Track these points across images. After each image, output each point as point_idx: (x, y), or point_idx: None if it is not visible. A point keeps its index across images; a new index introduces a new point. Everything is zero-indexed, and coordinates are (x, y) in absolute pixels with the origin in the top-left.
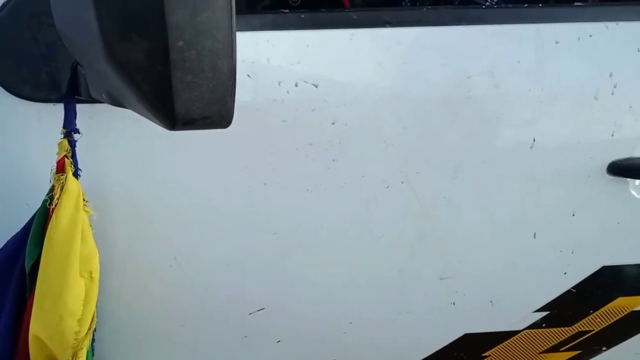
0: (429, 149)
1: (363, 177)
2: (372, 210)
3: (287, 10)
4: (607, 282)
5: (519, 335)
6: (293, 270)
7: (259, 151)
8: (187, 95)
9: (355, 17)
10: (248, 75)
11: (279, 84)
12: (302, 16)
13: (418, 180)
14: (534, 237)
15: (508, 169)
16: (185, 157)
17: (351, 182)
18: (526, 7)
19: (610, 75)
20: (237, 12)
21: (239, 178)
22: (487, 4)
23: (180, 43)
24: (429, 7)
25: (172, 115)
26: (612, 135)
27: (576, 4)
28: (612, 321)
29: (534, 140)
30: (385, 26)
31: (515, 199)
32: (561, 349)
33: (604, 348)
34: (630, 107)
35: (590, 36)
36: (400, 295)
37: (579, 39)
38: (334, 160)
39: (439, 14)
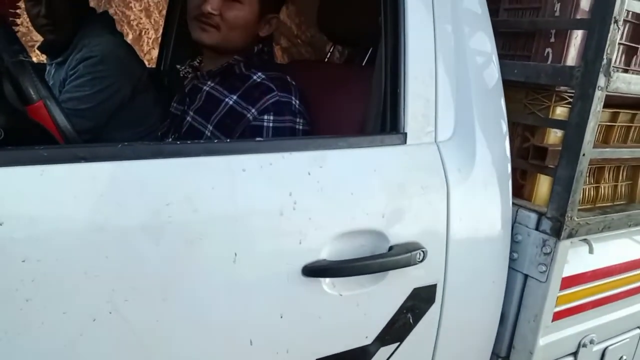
0: (134, 276)
1: (64, 313)
2: (79, 348)
3: None
4: None
5: None
6: None
7: None
8: None
9: (45, 154)
10: None
11: None
12: None
13: (127, 308)
14: (251, 344)
15: (215, 284)
16: None
17: (50, 320)
18: (216, 142)
19: (290, 194)
20: None
21: None
22: None
23: None
24: (125, 143)
25: None
26: (300, 243)
27: (257, 139)
28: None
29: (236, 255)
30: (80, 162)
31: (227, 311)
32: None
33: None
34: (310, 218)
35: (270, 164)
36: None
37: (261, 167)
38: (27, 301)
39: (134, 149)
